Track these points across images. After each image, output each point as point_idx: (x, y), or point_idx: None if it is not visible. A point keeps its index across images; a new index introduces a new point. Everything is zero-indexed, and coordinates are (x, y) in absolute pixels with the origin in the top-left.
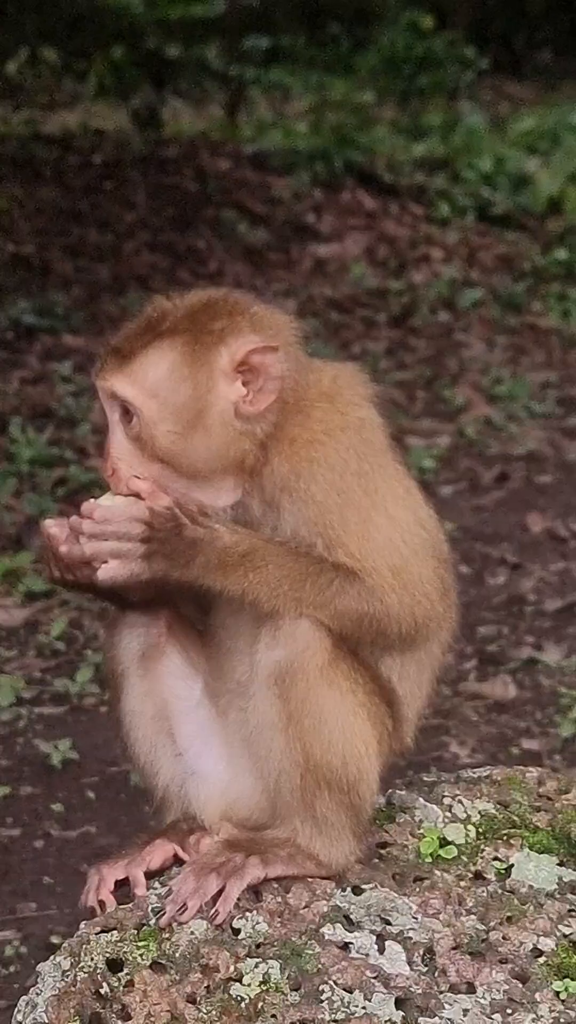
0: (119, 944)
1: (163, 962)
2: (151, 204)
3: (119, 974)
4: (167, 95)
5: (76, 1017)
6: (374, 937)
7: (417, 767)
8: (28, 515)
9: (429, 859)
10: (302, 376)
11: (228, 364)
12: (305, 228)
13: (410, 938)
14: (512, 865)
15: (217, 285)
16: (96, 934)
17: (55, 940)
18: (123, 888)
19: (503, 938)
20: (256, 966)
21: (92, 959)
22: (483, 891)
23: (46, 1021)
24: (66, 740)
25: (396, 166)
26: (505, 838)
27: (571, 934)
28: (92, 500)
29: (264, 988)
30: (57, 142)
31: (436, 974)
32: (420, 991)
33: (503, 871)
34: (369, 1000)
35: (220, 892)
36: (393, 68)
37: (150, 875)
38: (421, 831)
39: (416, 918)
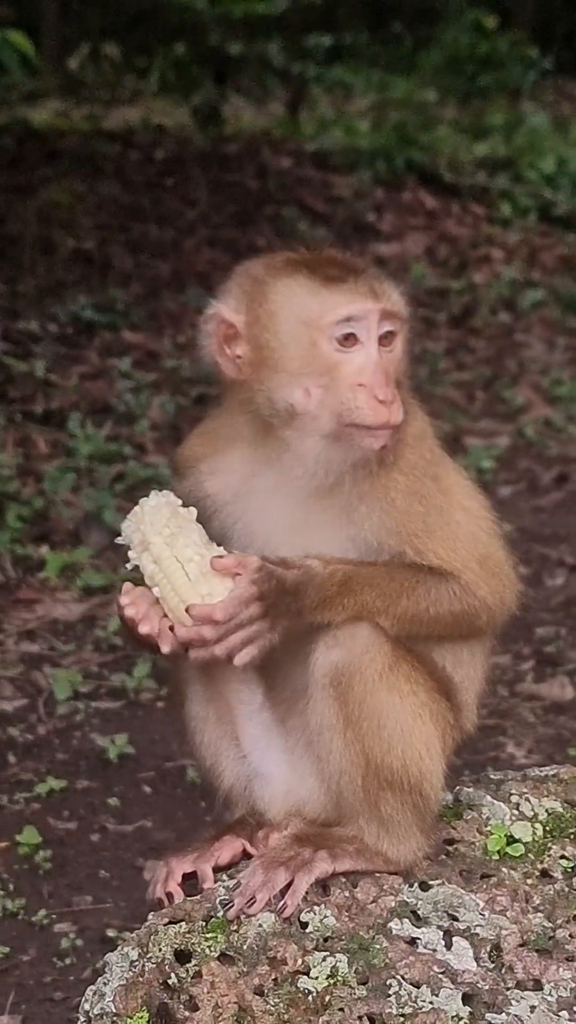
0: (187, 935)
1: (231, 954)
2: (212, 201)
3: (187, 965)
4: (228, 92)
5: (144, 1007)
6: (441, 933)
7: (474, 767)
8: (87, 510)
9: (496, 856)
10: None
11: None
12: (366, 227)
13: (477, 934)
14: None
15: None
16: (164, 925)
17: (111, 933)
18: (190, 881)
19: (570, 936)
20: (324, 959)
21: (160, 950)
22: (550, 889)
23: (114, 1011)
24: (123, 735)
25: (457, 166)
26: (572, 836)
27: None
28: (199, 603)
29: (332, 982)
30: (118, 138)
31: (503, 971)
32: (487, 987)
33: (570, 869)
34: (436, 995)
35: (288, 886)
36: (456, 67)
37: (218, 870)
38: (488, 828)
39: (483, 915)
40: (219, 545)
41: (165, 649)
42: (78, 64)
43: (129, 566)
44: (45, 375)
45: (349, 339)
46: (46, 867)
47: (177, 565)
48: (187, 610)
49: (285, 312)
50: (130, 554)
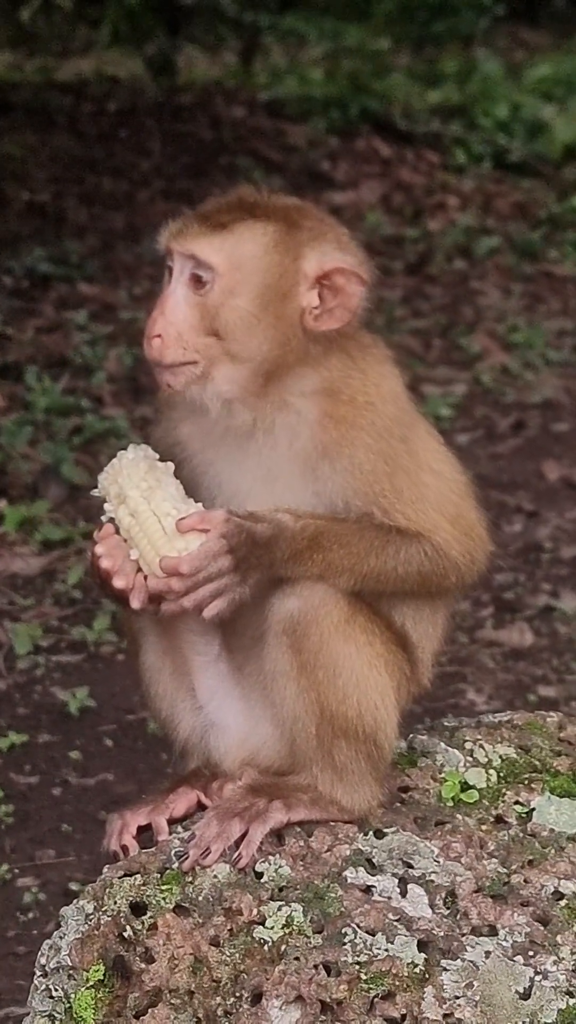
0: (142, 888)
1: (186, 905)
2: (166, 152)
3: (142, 917)
4: (181, 42)
5: (99, 960)
6: (396, 880)
7: (434, 714)
8: (44, 464)
9: (451, 803)
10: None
11: (314, 269)
12: (320, 175)
13: (432, 881)
14: (533, 809)
15: None
16: (119, 878)
17: (73, 887)
18: (145, 834)
19: (524, 881)
20: (279, 909)
21: (115, 903)
22: (504, 835)
23: (70, 964)
24: (83, 688)
25: (412, 113)
26: (526, 782)
27: None
28: (169, 555)
29: (287, 931)
30: (71, 90)
31: (458, 917)
32: (442, 934)
33: (524, 815)
34: (392, 943)
35: (243, 836)
36: (408, 14)
37: (173, 822)
38: (443, 775)
39: (438, 861)
40: (196, 501)
41: (135, 605)
42: (30, 15)
43: (104, 518)
44: (1, 329)
45: (169, 274)
46: (8, 822)
47: (154, 519)
48: (160, 563)
49: None
50: (106, 506)
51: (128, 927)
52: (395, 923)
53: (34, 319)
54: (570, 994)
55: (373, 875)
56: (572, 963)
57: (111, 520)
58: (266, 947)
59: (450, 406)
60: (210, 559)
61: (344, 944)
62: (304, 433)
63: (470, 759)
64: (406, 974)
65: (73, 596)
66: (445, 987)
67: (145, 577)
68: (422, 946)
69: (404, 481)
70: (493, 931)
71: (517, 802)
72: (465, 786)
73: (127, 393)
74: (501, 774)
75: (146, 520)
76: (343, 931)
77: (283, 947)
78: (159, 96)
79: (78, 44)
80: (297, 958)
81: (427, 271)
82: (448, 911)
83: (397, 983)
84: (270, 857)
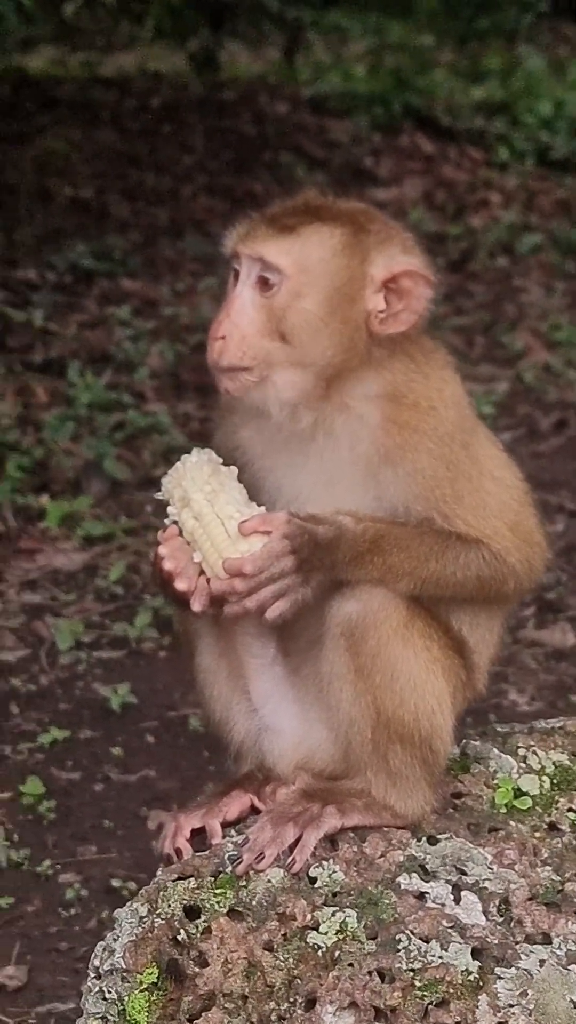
0: (196, 891)
1: (240, 910)
2: (209, 147)
3: (196, 921)
4: (224, 37)
5: (153, 963)
6: (450, 887)
7: (476, 714)
8: (87, 459)
9: (504, 810)
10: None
11: (381, 272)
12: (363, 172)
13: (486, 888)
14: None
15: None
16: (173, 881)
17: (115, 883)
18: (199, 836)
19: None
20: (333, 915)
21: (169, 906)
22: (558, 842)
23: (123, 967)
24: (125, 684)
25: (455, 110)
26: None
27: None
28: (232, 557)
29: (341, 936)
30: (115, 85)
31: (512, 924)
32: (496, 941)
33: None
34: (446, 950)
35: (297, 841)
36: (452, 10)
37: (226, 825)
38: (496, 781)
39: (491, 868)
40: (259, 505)
41: (196, 607)
42: (73, 11)
43: (168, 521)
44: (44, 324)
45: (235, 277)
46: (50, 817)
47: (218, 522)
48: (223, 565)
49: None
50: (169, 509)
51: (182, 930)
52: (449, 930)
53: (77, 314)
54: None
55: (427, 881)
56: None
57: (174, 523)
58: (320, 952)
59: (492, 404)
60: (273, 559)
61: (398, 951)
62: (366, 437)
63: (523, 765)
64: (460, 982)
65: (115, 592)
66: (499, 995)
67: (208, 580)
68: (476, 953)
69: (465, 487)
70: (547, 939)
71: (571, 809)
72: (518, 792)
73: (169, 389)
74: (554, 781)
75: (209, 523)
76: (397, 937)
77: (337, 953)
78: (202, 92)
79: (121, 39)
80: (351, 964)
81: (469, 268)
82: (502, 919)
83: (451, 991)
84: (324, 862)
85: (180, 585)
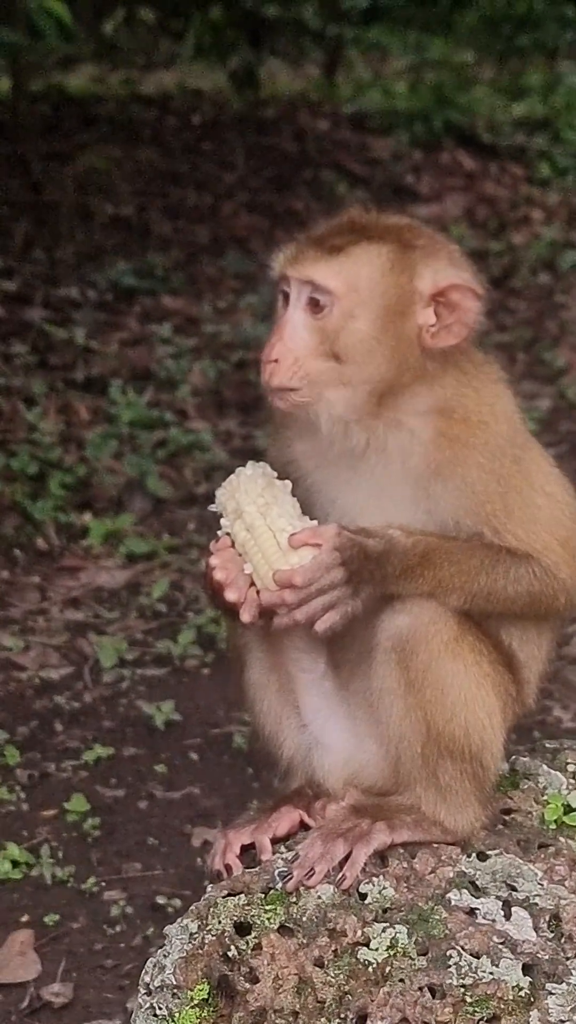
0: (246, 908)
1: (290, 926)
2: (249, 165)
3: (247, 937)
4: (264, 55)
5: (204, 979)
6: (500, 903)
7: (520, 730)
8: (129, 477)
9: (553, 826)
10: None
11: (429, 287)
12: (404, 189)
13: (536, 904)
14: None
15: None
16: (223, 897)
17: (160, 900)
18: (248, 853)
19: None
20: (383, 931)
21: (220, 922)
22: None
23: (174, 983)
24: (169, 702)
25: (496, 126)
26: None
27: None
28: (284, 568)
29: (392, 953)
30: (155, 103)
31: (563, 940)
32: (547, 957)
33: None
34: (496, 965)
35: (347, 857)
36: (492, 27)
37: (276, 841)
38: (545, 798)
39: (542, 884)
40: (311, 519)
41: (246, 618)
42: (113, 29)
43: (220, 533)
44: (85, 342)
45: (284, 300)
46: (94, 835)
47: (270, 534)
48: (273, 576)
49: None
50: (222, 521)
51: (232, 947)
52: (500, 946)
53: (118, 332)
54: None
55: (477, 898)
56: None
57: (227, 534)
58: (371, 968)
59: (534, 421)
60: (323, 571)
61: (449, 967)
62: (417, 452)
63: (572, 781)
64: (511, 997)
65: (158, 609)
66: (551, 1011)
67: (258, 591)
68: (527, 969)
69: (516, 501)
70: None
71: None
72: (568, 809)
73: (211, 406)
74: None
75: (261, 535)
76: (448, 953)
77: (388, 969)
78: (243, 109)
79: (161, 57)
80: (402, 980)
81: (511, 285)
82: (552, 934)
83: (503, 1006)
84: (374, 878)
85: (230, 595)
